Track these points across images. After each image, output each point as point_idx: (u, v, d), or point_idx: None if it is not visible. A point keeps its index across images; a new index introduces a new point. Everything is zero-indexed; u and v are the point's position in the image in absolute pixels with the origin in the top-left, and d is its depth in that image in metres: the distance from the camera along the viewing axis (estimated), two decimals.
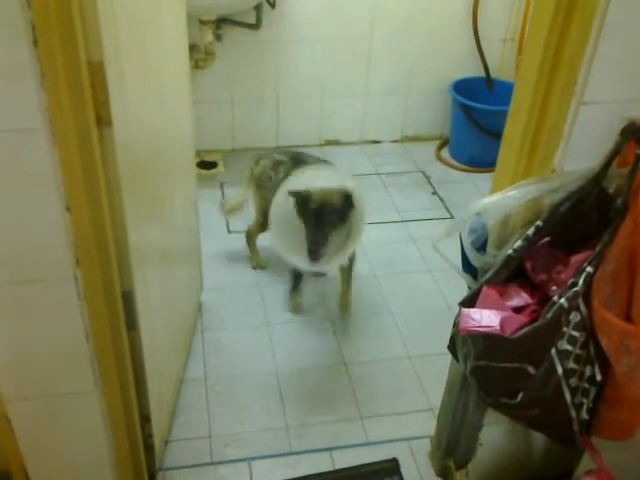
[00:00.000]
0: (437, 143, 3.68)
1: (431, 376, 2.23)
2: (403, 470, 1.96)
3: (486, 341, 1.25)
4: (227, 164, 3.39)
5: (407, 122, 3.66)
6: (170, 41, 1.89)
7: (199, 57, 3.08)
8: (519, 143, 1.35)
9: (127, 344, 1.47)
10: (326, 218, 1.97)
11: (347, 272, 2.39)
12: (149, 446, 1.77)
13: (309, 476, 1.92)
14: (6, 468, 1.63)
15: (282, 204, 2.04)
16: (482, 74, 3.51)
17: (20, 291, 1.22)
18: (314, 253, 1.94)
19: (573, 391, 1.32)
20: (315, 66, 3.34)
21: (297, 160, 2.40)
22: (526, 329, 1.23)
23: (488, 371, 1.29)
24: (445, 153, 3.63)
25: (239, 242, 2.85)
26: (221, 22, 3.02)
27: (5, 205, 1.14)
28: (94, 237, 1.25)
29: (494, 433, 1.77)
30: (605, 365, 1.32)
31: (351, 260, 2.33)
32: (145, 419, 1.71)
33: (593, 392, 1.35)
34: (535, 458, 1.83)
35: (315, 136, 3.58)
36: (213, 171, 3.32)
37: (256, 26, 3.08)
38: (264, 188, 2.46)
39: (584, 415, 1.35)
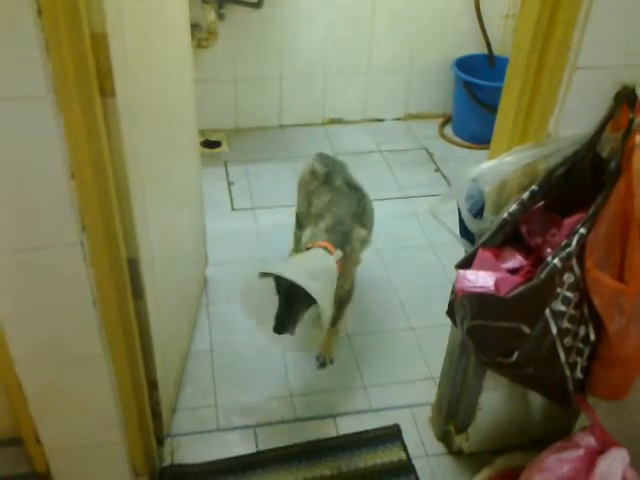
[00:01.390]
0: (440, 120, 3.69)
1: (432, 346, 2.27)
2: (405, 436, 2.00)
3: (481, 301, 1.29)
4: (231, 143, 3.42)
5: (410, 100, 3.67)
6: (172, 19, 1.92)
7: (202, 36, 3.10)
8: (515, 109, 1.37)
9: (133, 310, 1.51)
10: (295, 299, 1.82)
11: (339, 308, 2.16)
12: (157, 413, 1.82)
13: (314, 441, 1.96)
14: (18, 434, 1.68)
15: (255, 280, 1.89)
16: (484, 51, 3.51)
17: (28, 258, 1.26)
18: (278, 330, 1.83)
19: (567, 350, 1.36)
20: (317, 45, 3.36)
21: (329, 177, 2.28)
22: (520, 288, 1.26)
23: (484, 331, 1.32)
24: (448, 130, 3.65)
25: (243, 219, 2.90)
26: (223, 1, 3.03)
27: (11, 173, 1.17)
28: (99, 204, 1.29)
29: (493, 398, 1.81)
30: (598, 325, 1.36)
31: (347, 297, 2.17)
32: (152, 386, 1.76)
33: (587, 352, 1.38)
34: (533, 422, 1.87)
35: (318, 115, 3.60)
36: (217, 150, 3.36)
37: (258, 5, 3.09)
38: (301, 189, 2.41)
39: (578, 374, 1.39)
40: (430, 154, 3.46)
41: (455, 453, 1.96)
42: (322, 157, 2.40)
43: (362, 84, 3.56)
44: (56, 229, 1.24)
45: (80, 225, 1.25)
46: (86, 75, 1.17)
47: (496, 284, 1.28)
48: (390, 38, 3.42)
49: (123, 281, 1.44)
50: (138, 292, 1.55)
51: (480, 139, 3.45)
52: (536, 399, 1.83)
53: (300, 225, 2.46)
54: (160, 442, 1.89)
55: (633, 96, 1.29)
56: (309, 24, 3.28)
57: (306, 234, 2.19)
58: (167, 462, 1.88)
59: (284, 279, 1.79)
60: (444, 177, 3.27)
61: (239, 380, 2.16)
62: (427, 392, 2.11)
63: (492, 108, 3.27)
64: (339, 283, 1.96)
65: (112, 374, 1.49)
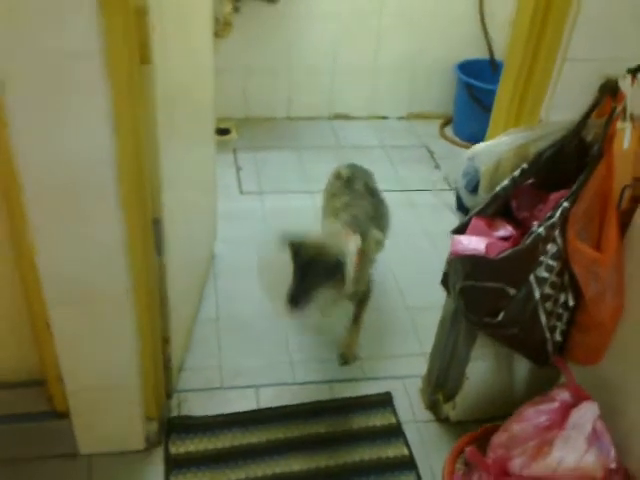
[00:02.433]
0: (441, 121, 3.85)
1: (426, 326, 2.40)
2: (396, 403, 2.15)
3: (473, 262, 1.44)
4: (240, 131, 3.57)
5: (413, 99, 3.83)
6: (198, 7, 2.06)
7: (217, 27, 3.24)
8: (510, 96, 1.53)
9: (154, 258, 1.65)
10: (313, 274, 1.86)
11: (358, 308, 2.24)
12: (168, 367, 1.96)
13: (311, 402, 2.11)
14: (41, 376, 1.82)
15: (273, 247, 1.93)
16: (487, 56, 3.68)
17: (71, 197, 1.40)
18: (291, 304, 1.84)
19: (548, 314, 1.51)
20: (327, 41, 3.52)
21: (350, 181, 2.35)
22: (507, 252, 1.41)
23: (474, 291, 1.47)
24: (448, 130, 3.80)
25: (250, 202, 3.06)
26: None
27: (63, 123, 1.31)
28: (134, 159, 1.43)
29: (480, 368, 1.95)
30: (577, 293, 1.51)
31: (364, 297, 2.24)
32: (165, 341, 1.90)
33: (566, 316, 1.53)
34: (517, 393, 2.01)
35: (325, 109, 3.76)
36: (227, 137, 3.50)
37: (273, 0, 3.25)
38: (325, 189, 2.48)
39: (557, 337, 1.54)
40: (430, 152, 3.61)
41: (442, 421, 2.10)
42: (350, 165, 2.50)
43: (368, 82, 3.71)
44: (95, 177, 1.38)
45: (116, 177, 1.39)
46: (130, 40, 1.32)
47: (487, 247, 1.43)
48: (397, 39, 3.58)
49: (148, 234, 1.58)
50: (159, 248, 1.70)
51: (479, 139, 3.51)
52: (521, 371, 1.98)
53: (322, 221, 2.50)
54: (168, 396, 2.03)
55: (616, 87, 1.44)
56: (320, 21, 3.44)
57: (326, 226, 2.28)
58: (174, 413, 2.02)
59: (304, 249, 1.83)
60: (444, 178, 3.42)
61: (242, 346, 2.31)
62: (419, 366, 2.25)
63: (491, 110, 3.44)
64: (355, 276, 1.99)
65: (134, 320, 1.63)
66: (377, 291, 2.60)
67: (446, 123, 3.85)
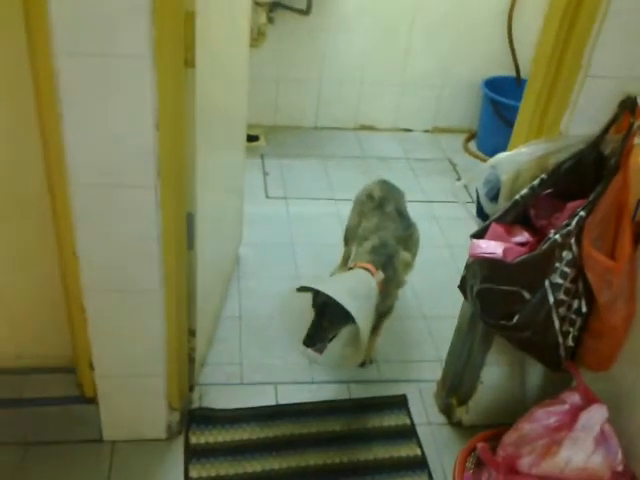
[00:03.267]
0: (466, 135, 3.92)
1: (442, 333, 2.46)
2: (410, 405, 2.20)
3: (490, 265, 1.50)
4: (268, 138, 3.67)
5: (439, 114, 3.91)
6: (237, 17, 2.15)
7: (252, 37, 3.35)
8: (532, 109, 1.59)
9: (186, 253, 1.73)
10: (329, 315, 1.89)
11: (379, 320, 2.26)
12: (192, 359, 2.04)
13: (327, 401, 2.17)
14: (72, 363, 1.91)
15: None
16: (513, 74, 3.74)
17: (111, 194, 1.49)
18: (307, 343, 1.91)
19: (562, 319, 1.56)
20: (357, 54, 3.61)
21: (382, 202, 2.37)
22: (524, 256, 1.47)
23: (490, 294, 1.53)
24: (472, 145, 3.87)
25: (275, 206, 3.14)
26: (274, 5, 3.29)
27: (109, 119, 1.40)
28: (173, 156, 1.51)
29: (494, 373, 2.00)
30: (590, 300, 1.56)
31: (387, 312, 2.27)
32: (191, 333, 1.98)
33: (579, 322, 1.58)
34: (530, 400, 2.05)
35: (351, 120, 3.84)
36: (255, 143, 3.60)
37: (306, 12, 3.35)
38: (356, 206, 2.49)
39: (570, 342, 1.59)
40: (453, 165, 3.67)
41: (455, 424, 2.15)
42: (382, 183, 2.50)
43: (395, 95, 3.80)
44: (138, 171, 1.47)
45: (157, 171, 1.48)
46: (178, 44, 1.41)
47: (504, 252, 1.49)
48: (425, 54, 3.67)
49: (182, 228, 1.66)
50: (190, 243, 1.78)
51: None
52: (534, 378, 2.03)
53: (347, 240, 2.56)
54: (190, 388, 2.11)
55: (634, 104, 1.50)
56: (351, 34, 3.53)
57: (351, 253, 2.31)
58: (195, 405, 2.09)
59: (322, 295, 1.85)
60: (465, 186, 3.47)
61: (263, 344, 2.38)
62: (434, 371, 2.30)
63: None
64: (379, 301, 2.03)
65: (163, 311, 1.71)
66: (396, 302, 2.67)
67: (470, 138, 3.91)
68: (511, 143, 1.69)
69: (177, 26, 1.38)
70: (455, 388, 2.13)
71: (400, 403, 2.20)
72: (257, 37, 3.32)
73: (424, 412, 2.19)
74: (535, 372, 1.98)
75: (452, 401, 2.14)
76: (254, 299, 2.59)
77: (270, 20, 3.35)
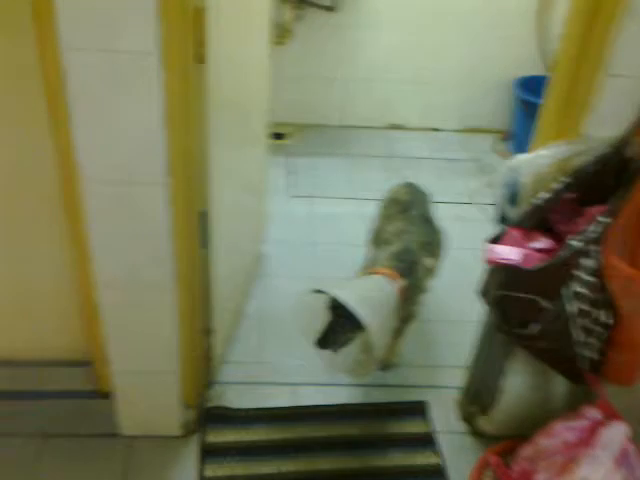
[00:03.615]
0: (496, 136, 3.85)
1: (466, 339, 2.38)
2: (431, 412, 2.16)
3: (507, 271, 1.46)
4: (295, 137, 3.65)
5: (469, 113, 3.85)
6: (256, 13, 2.14)
7: (277, 34, 3.33)
8: (554, 109, 1.54)
9: (199, 254, 1.72)
10: (343, 323, 1.85)
11: (402, 324, 2.21)
12: (209, 358, 2.04)
13: (346, 404, 2.15)
14: (89, 356, 1.93)
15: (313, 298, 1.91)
16: (545, 74, 3.66)
17: (123, 191, 1.49)
18: (318, 345, 1.89)
19: (581, 330, 1.51)
20: (385, 52, 3.57)
21: (407, 206, 2.31)
22: (542, 263, 1.43)
23: (506, 301, 1.49)
24: (503, 146, 3.80)
25: (300, 205, 3.13)
26: (301, 2, 3.28)
27: (118, 116, 1.40)
28: (183, 153, 1.50)
29: (517, 382, 1.94)
30: (613, 310, 1.50)
31: (409, 318, 2.22)
32: (207, 331, 1.98)
33: (601, 334, 1.52)
34: (554, 408, 1.99)
35: (379, 119, 3.80)
36: (281, 142, 3.59)
37: (332, 9, 3.32)
38: (381, 209, 2.44)
39: (591, 354, 1.54)
40: (482, 166, 3.61)
41: (476, 434, 2.09)
42: (409, 186, 2.45)
43: (424, 94, 3.75)
44: (146, 168, 1.46)
45: (166, 168, 1.47)
46: (186, 40, 1.40)
47: (521, 258, 1.45)
48: (455, 52, 3.61)
49: (194, 226, 1.66)
50: (204, 241, 1.78)
51: None
52: (559, 389, 1.96)
53: (371, 242, 2.47)
54: (208, 386, 2.11)
55: None
56: (379, 31, 3.49)
57: (373, 257, 2.25)
58: (213, 404, 2.09)
59: (337, 299, 1.80)
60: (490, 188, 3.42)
61: (283, 344, 2.36)
62: (457, 378, 2.24)
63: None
64: (400, 308, 1.99)
65: (175, 308, 1.71)
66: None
67: (501, 138, 3.84)
68: (533, 145, 1.65)
69: (185, 22, 1.37)
70: (477, 396, 2.08)
71: (420, 409, 2.16)
72: (283, 34, 3.32)
73: (445, 420, 2.15)
74: (560, 382, 1.91)
75: (474, 410, 2.09)
76: (276, 298, 2.58)
77: (297, 17, 3.33)
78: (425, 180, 2.64)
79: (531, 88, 3.55)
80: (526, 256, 1.46)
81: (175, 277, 1.65)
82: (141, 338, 1.75)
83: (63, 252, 1.73)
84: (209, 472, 1.89)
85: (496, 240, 1.53)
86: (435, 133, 3.86)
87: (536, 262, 1.45)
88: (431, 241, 2.25)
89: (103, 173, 1.47)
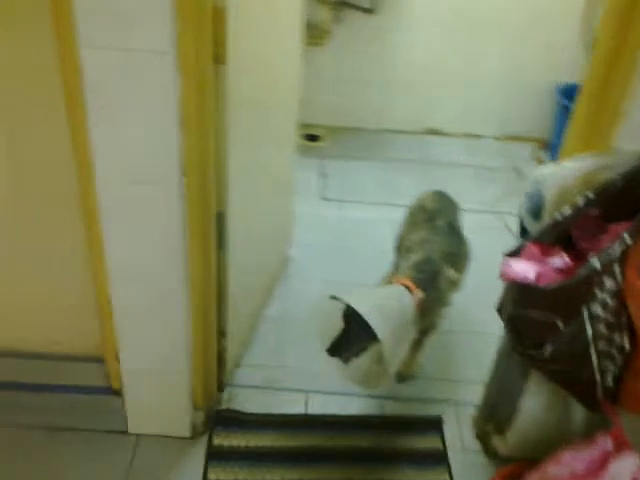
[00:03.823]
0: (536, 144, 3.74)
1: (487, 353, 2.33)
2: (445, 428, 2.09)
3: (521, 289, 1.39)
4: (329, 139, 3.62)
5: (509, 119, 3.75)
6: (286, 12, 2.11)
7: (314, 34, 3.30)
8: (584, 118, 1.47)
9: (215, 256, 1.70)
10: (356, 332, 1.80)
11: (422, 336, 2.17)
12: (222, 359, 2.01)
13: (359, 416, 2.10)
14: (101, 353, 1.93)
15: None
16: None
17: (138, 188, 1.48)
18: (330, 351, 1.84)
19: (600, 355, 1.42)
20: (424, 55, 3.51)
21: (434, 215, 2.24)
22: (559, 283, 1.35)
23: (520, 320, 1.42)
24: (543, 155, 3.68)
25: (331, 209, 3.09)
26: (340, 4, 3.24)
27: (133, 116, 1.39)
28: (199, 154, 1.49)
29: (534, 403, 1.86)
30: (633, 335, 1.42)
31: (429, 330, 2.17)
32: (221, 333, 1.95)
33: (620, 360, 1.44)
34: (572, 431, 1.90)
35: (417, 123, 3.74)
36: (315, 144, 3.56)
37: (371, 11, 3.28)
38: (408, 217, 2.37)
39: (609, 381, 1.45)
40: (520, 175, 3.51)
41: (490, 453, 2.02)
42: (437, 194, 2.39)
43: (464, 99, 3.67)
44: (161, 168, 1.45)
45: (181, 169, 1.45)
46: (204, 40, 1.37)
47: (537, 275, 1.38)
48: (497, 58, 3.52)
49: (209, 226, 1.64)
50: (220, 242, 1.75)
51: None
52: (578, 413, 1.87)
53: (396, 249, 2.42)
54: (220, 388, 2.09)
55: None
56: (419, 34, 3.44)
57: (397, 265, 2.19)
58: (224, 407, 2.07)
59: (351, 307, 1.76)
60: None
61: (301, 350, 2.33)
62: (475, 394, 2.17)
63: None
64: (418, 320, 1.92)
65: (187, 309, 1.69)
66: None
67: (541, 147, 3.73)
68: (560, 156, 1.57)
69: (202, 22, 1.35)
70: (493, 414, 2.00)
71: (434, 425, 2.10)
72: (320, 35, 3.29)
73: (459, 437, 2.08)
74: (578, 406, 1.83)
75: (489, 428, 2.01)
76: (299, 302, 2.55)
77: (336, 19, 3.30)
78: (460, 188, 2.57)
79: (573, 95, 3.42)
80: (541, 274, 1.38)
81: (189, 278, 1.64)
82: (152, 337, 1.74)
83: (79, 250, 1.73)
84: (212, 475, 1.87)
85: (514, 254, 1.46)
86: (474, 140, 3.78)
87: (551, 281, 1.38)
88: (456, 252, 2.16)
89: (117, 171, 1.47)
